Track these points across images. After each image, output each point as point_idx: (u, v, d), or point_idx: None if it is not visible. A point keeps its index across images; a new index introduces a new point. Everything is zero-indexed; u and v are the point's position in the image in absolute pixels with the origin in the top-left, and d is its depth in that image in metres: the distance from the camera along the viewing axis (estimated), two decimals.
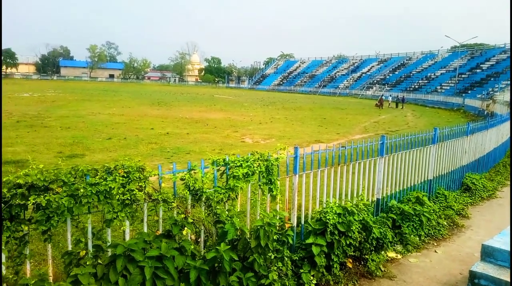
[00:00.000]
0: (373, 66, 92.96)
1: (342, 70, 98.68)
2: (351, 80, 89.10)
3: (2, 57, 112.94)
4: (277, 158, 4.60)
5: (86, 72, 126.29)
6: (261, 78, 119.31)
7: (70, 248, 3.33)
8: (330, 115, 30.67)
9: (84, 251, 3.28)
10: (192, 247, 3.76)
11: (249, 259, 3.86)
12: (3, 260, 2.97)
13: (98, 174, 3.36)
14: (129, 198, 3.41)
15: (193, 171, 3.97)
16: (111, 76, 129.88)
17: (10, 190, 2.89)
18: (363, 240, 5.10)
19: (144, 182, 3.55)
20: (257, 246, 3.87)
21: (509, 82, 47.71)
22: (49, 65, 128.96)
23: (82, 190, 3.14)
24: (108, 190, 3.28)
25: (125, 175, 3.41)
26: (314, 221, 4.99)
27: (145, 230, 3.74)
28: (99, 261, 3.35)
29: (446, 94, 56.20)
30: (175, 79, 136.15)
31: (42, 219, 3.00)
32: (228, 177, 4.22)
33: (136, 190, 3.44)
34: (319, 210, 5.17)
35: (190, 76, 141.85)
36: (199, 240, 4.14)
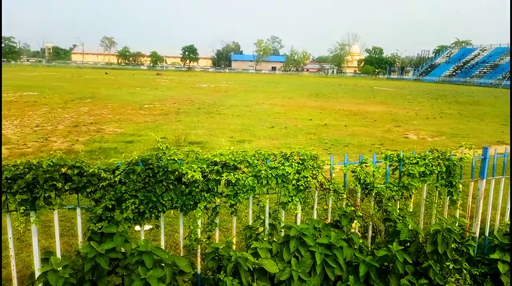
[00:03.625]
0: None
1: None
2: None
3: (187, 53, 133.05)
4: (461, 158, 4.09)
5: (252, 65, 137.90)
6: (429, 69, 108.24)
7: (250, 223, 3.71)
8: None
9: (262, 228, 3.60)
10: (361, 241, 3.71)
11: (423, 264, 3.57)
12: (199, 224, 3.50)
13: (277, 158, 3.62)
14: (303, 184, 3.57)
15: (364, 164, 3.88)
16: (273, 68, 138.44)
17: (208, 166, 3.38)
18: None
19: (318, 170, 3.65)
20: (433, 252, 3.55)
21: None
22: (223, 59, 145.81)
23: (263, 172, 3.44)
24: (285, 174, 3.50)
25: (301, 162, 3.58)
26: (501, 234, 4.28)
27: (315, 217, 3.86)
28: (274, 238, 3.63)
29: None
30: (333, 71, 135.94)
31: (231, 194, 3.42)
32: (402, 174, 3.97)
33: (310, 177, 3.57)
34: (508, 222, 4.41)
35: (348, 68, 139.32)
36: (366, 235, 4.04)
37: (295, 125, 17.27)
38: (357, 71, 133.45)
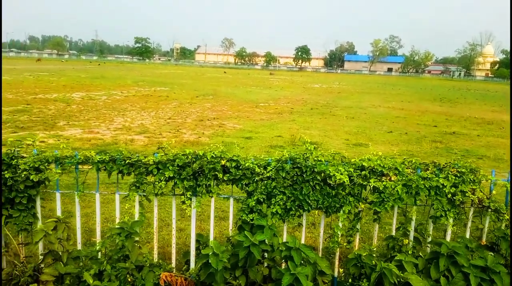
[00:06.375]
0: None
1: None
2: None
3: (299, 53, 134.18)
4: None
5: (366, 66, 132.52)
6: None
7: (394, 233, 3.54)
8: None
9: (407, 240, 3.41)
10: None
11: None
12: (340, 226, 3.47)
13: (429, 168, 3.38)
14: (460, 199, 3.26)
15: None
16: (389, 70, 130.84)
17: (355, 170, 3.32)
18: None
19: (477, 185, 3.30)
20: None
21: None
22: (335, 59, 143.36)
23: (415, 182, 3.24)
24: (440, 186, 3.24)
25: (458, 175, 3.28)
26: None
27: (467, 235, 3.51)
28: (420, 253, 3.41)
29: None
30: (459, 74, 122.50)
31: (377, 201, 3.31)
32: None
33: (469, 193, 3.25)
34: None
35: (479, 71, 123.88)
36: None
37: (417, 132, 16.05)
38: (489, 75, 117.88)
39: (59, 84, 29.75)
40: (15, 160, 3.27)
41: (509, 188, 3.41)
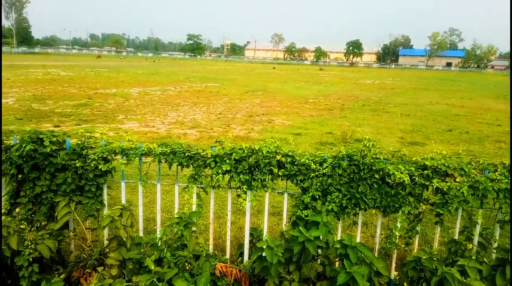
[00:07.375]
0: None
1: None
2: None
3: (351, 47, 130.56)
4: None
5: (423, 61, 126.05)
6: None
7: (456, 237, 3.37)
8: None
9: (471, 245, 3.23)
10: None
11: None
12: (398, 227, 3.36)
13: (498, 170, 3.16)
14: None
15: None
16: (448, 64, 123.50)
17: (416, 169, 3.19)
18: None
19: None
20: None
21: None
22: (389, 54, 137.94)
23: (482, 184, 3.06)
24: (508, 188, 3.03)
25: None
26: None
27: None
28: (485, 259, 3.22)
29: None
30: None
31: (440, 203, 3.16)
32: None
33: None
34: None
35: None
36: None
37: (479, 131, 15.07)
38: None
39: (118, 80, 31.44)
40: (85, 150, 3.51)
41: None
